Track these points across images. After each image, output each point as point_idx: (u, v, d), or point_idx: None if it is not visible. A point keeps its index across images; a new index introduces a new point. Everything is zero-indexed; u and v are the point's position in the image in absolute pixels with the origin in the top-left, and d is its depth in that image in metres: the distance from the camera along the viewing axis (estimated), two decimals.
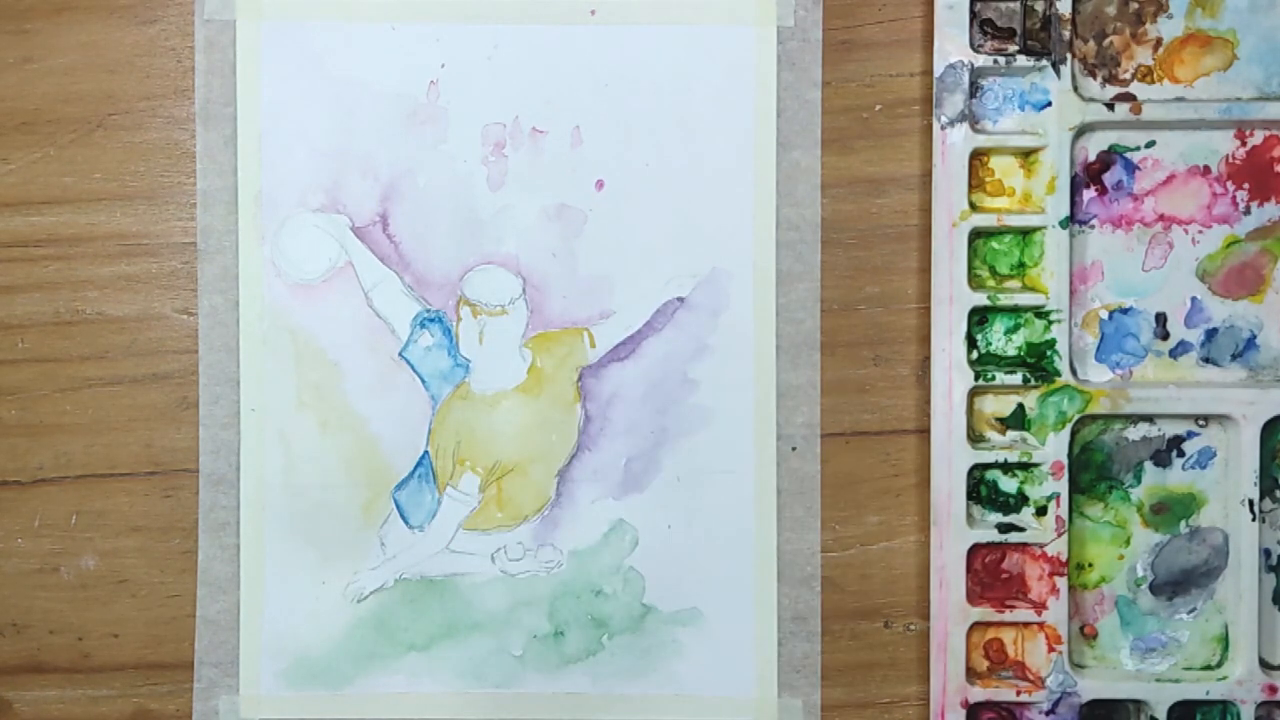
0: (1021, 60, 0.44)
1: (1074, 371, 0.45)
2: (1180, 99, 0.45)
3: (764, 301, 0.46)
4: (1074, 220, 0.45)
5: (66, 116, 0.46)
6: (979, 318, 0.45)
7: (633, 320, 0.46)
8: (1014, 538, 0.45)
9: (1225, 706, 0.45)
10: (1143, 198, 0.45)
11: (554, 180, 0.46)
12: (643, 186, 0.46)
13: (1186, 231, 0.45)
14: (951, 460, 0.44)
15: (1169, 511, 0.46)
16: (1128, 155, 0.45)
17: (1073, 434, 0.45)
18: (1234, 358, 0.46)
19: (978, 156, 0.45)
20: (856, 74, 0.46)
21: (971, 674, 0.45)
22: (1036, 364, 0.45)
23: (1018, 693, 0.45)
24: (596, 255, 0.46)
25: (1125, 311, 0.46)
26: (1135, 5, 0.45)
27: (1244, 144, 0.45)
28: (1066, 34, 0.44)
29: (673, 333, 0.46)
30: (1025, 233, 0.45)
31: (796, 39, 0.45)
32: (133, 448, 0.46)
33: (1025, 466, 0.45)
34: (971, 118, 0.44)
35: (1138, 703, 0.45)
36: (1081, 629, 0.46)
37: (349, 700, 0.46)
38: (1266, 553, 0.45)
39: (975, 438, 0.45)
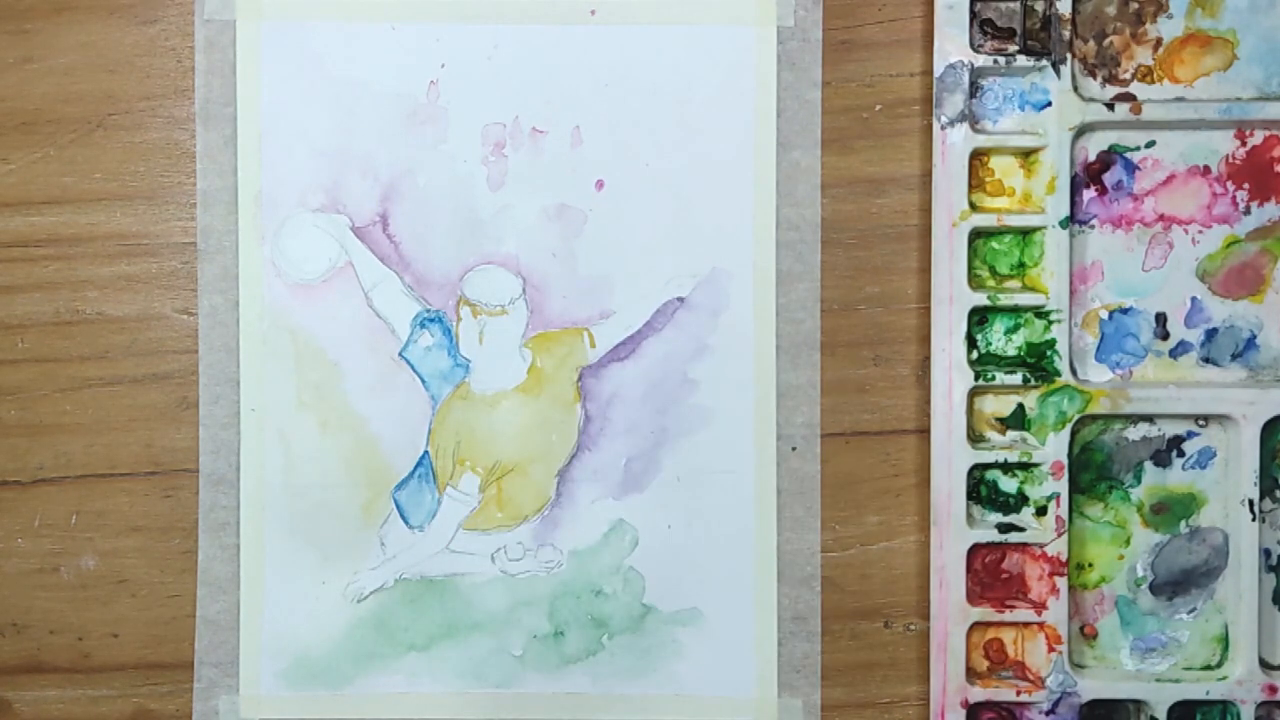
0: (1021, 60, 0.44)
1: (1074, 371, 0.45)
2: (1180, 99, 0.45)
3: (764, 301, 0.46)
4: (1074, 220, 0.45)
5: (66, 116, 0.46)
6: (979, 318, 0.45)
7: (633, 320, 0.46)
8: (1014, 538, 0.45)
9: (1225, 706, 0.45)
10: (1143, 198, 0.45)
11: (554, 180, 0.46)
12: (643, 186, 0.46)
13: (1186, 231, 0.45)
14: (951, 460, 0.44)
15: (1169, 511, 0.46)
16: (1128, 155, 0.45)
17: (1073, 434, 0.45)
18: (1234, 358, 0.46)
19: (978, 156, 0.45)
20: (856, 74, 0.46)
21: (971, 674, 0.45)
22: (1036, 364, 0.45)
23: (1018, 693, 0.45)
24: (596, 255, 0.46)
25: (1125, 311, 0.46)
26: (1135, 5, 0.45)
27: (1244, 144, 0.45)
28: (1066, 34, 0.44)
29: (673, 333, 0.46)
30: (1025, 233, 0.45)
31: (796, 39, 0.45)
32: (133, 448, 0.46)
33: (1025, 466, 0.45)
34: (971, 118, 0.44)
35: (1138, 703, 0.45)
36: (1081, 629, 0.46)
37: (349, 700, 0.46)
38: (1266, 553, 0.45)
39: (975, 438, 0.45)
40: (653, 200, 0.46)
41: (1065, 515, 0.44)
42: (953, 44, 0.44)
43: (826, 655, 0.46)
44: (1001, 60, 0.44)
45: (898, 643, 0.46)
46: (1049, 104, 0.44)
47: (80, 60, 0.46)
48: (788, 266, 0.46)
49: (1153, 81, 0.45)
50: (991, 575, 0.45)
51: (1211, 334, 0.46)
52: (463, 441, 0.46)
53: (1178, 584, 0.46)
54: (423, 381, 0.46)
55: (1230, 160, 0.45)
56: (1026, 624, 0.45)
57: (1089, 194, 0.45)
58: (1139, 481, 0.46)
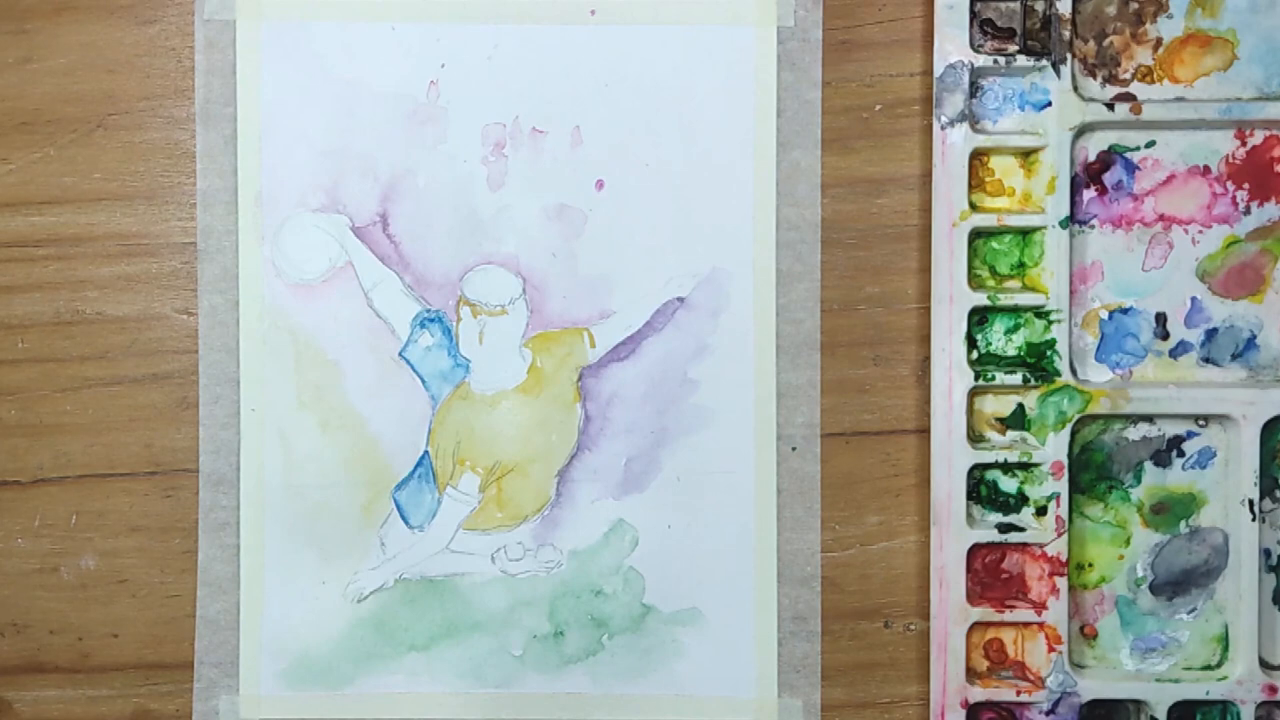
0: (1021, 60, 0.44)
1: (1074, 371, 0.45)
2: (1180, 99, 0.45)
3: (764, 301, 0.46)
4: (1074, 220, 0.45)
5: (66, 116, 0.46)
6: (979, 318, 0.45)
7: (633, 320, 0.46)
8: (1014, 538, 0.45)
9: (1225, 706, 0.45)
10: (1143, 198, 0.45)
11: (554, 180, 0.46)
12: (643, 186, 0.46)
13: (1186, 231, 0.45)
14: (951, 460, 0.44)
15: (1169, 511, 0.46)
16: (1128, 155, 0.45)
17: (1073, 434, 0.45)
18: (1234, 358, 0.46)
19: (978, 156, 0.45)
20: (856, 74, 0.46)
21: (971, 674, 0.45)
22: (1036, 364, 0.45)
23: (1018, 693, 0.45)
24: (596, 255, 0.46)
25: (1125, 311, 0.46)
26: (1135, 5, 0.45)
27: (1244, 144, 0.45)
28: (1066, 34, 0.44)
29: (673, 333, 0.46)
30: (1025, 233, 0.45)
31: (796, 39, 0.45)
32: (133, 448, 0.46)
33: (1025, 466, 0.45)
34: (971, 118, 0.44)
35: (1138, 703, 0.45)
36: (1081, 629, 0.46)
37: (349, 700, 0.46)
38: (1266, 553, 0.45)
39: (975, 438, 0.45)
40: (653, 200, 0.46)
41: (1065, 515, 0.44)
42: (953, 44, 0.44)
43: (826, 655, 0.46)
44: (1001, 60, 0.44)
45: (898, 643, 0.46)
46: (1049, 104, 0.44)
47: (80, 60, 0.46)
48: (788, 266, 0.46)
49: (1153, 81, 0.45)
50: (991, 575, 0.45)
51: (1211, 334, 0.46)
52: (463, 441, 0.46)
53: (1178, 584, 0.46)
54: (423, 381, 0.46)
55: (1230, 160, 0.45)
56: (1026, 624, 0.45)
57: (1089, 194, 0.45)
58: (1139, 481, 0.46)
